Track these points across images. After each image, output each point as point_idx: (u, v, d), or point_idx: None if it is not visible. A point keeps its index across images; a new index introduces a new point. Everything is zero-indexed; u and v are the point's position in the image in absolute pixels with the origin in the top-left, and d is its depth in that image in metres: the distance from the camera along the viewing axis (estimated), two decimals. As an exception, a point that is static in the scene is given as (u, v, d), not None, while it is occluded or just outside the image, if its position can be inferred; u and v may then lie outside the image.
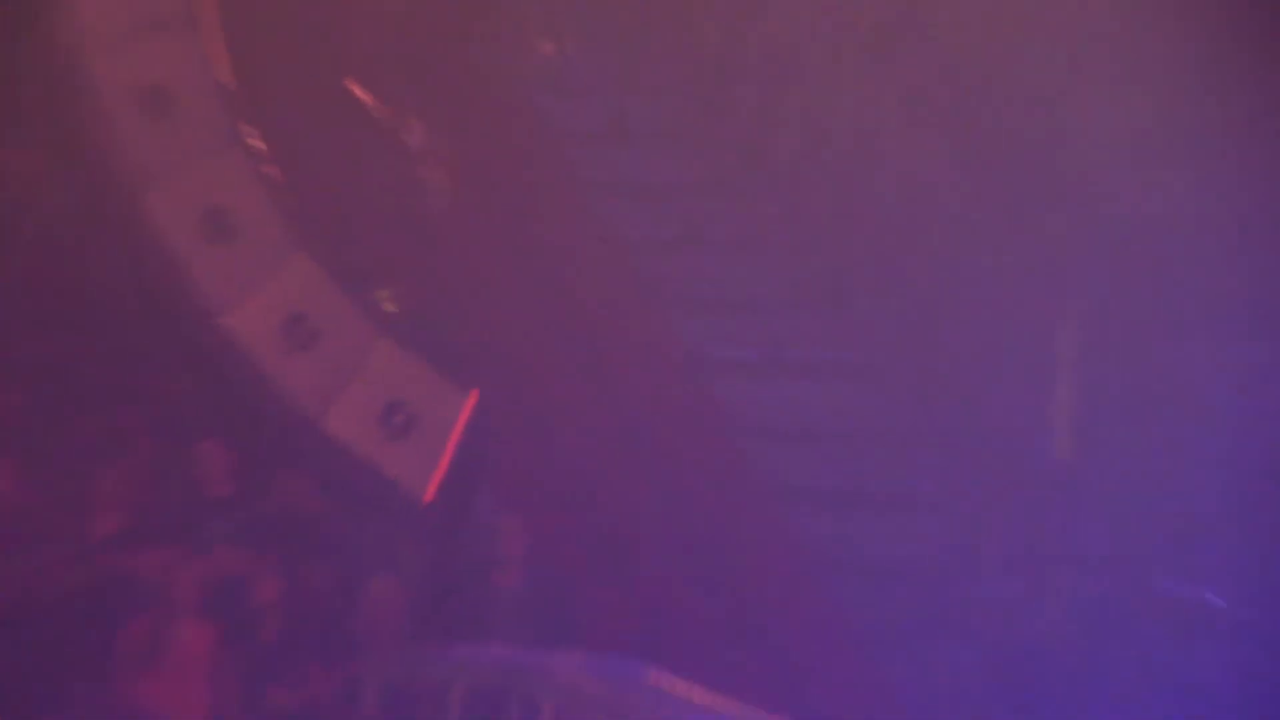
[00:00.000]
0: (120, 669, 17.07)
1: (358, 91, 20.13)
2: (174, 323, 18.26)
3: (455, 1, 22.16)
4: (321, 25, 21.46)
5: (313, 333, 17.31)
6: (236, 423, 18.27)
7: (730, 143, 22.08)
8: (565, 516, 19.07)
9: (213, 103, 18.47)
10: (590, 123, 22.03)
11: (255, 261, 17.63)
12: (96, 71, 18.51)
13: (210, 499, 17.50)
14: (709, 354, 20.67)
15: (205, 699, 16.80)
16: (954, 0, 18.06)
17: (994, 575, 19.20)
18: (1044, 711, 17.22)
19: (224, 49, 19.60)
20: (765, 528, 19.82)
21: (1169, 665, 17.26)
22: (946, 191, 20.48)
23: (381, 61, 21.42)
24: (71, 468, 18.71)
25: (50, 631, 17.44)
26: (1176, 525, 18.07)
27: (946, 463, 20.03)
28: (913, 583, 19.39)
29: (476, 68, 22.26)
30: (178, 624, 16.71)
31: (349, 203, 19.76)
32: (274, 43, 20.82)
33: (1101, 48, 17.85)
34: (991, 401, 19.87)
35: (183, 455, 18.29)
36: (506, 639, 17.25)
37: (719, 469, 20.10)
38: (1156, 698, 17.29)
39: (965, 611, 18.87)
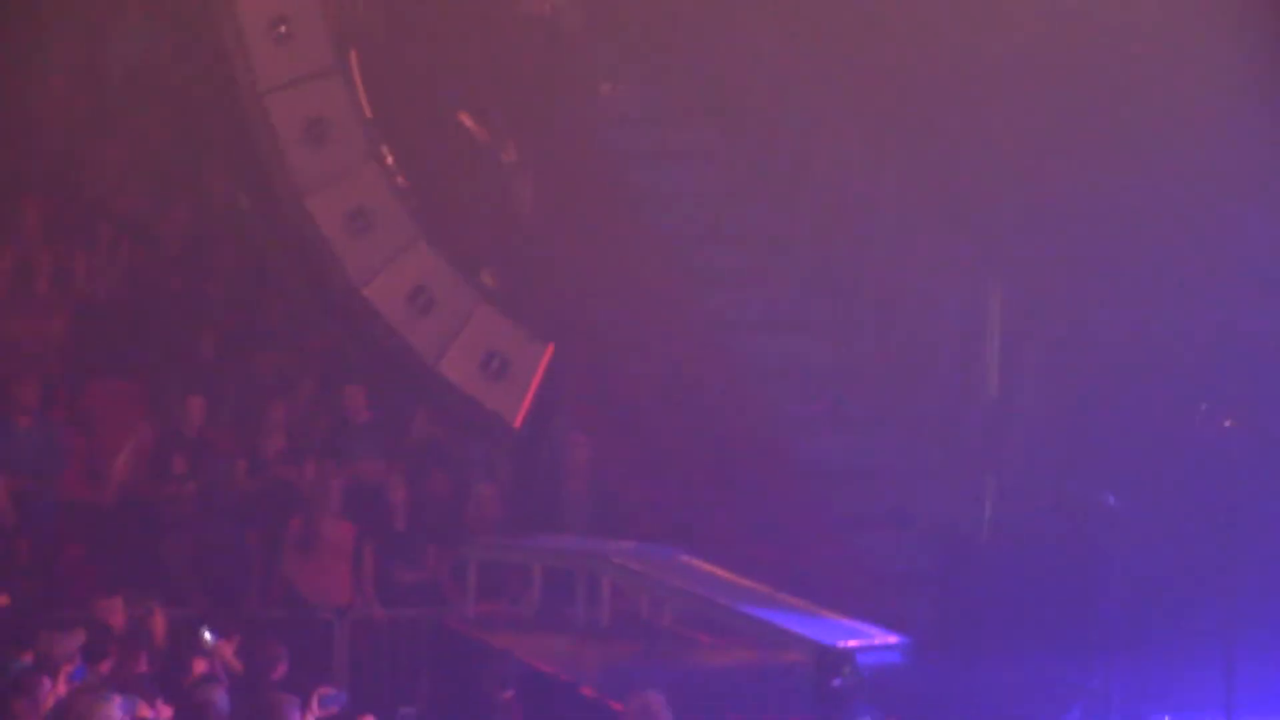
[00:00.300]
0: (284, 555, 21.36)
1: (466, 121, 24.94)
2: (328, 294, 21.85)
3: (538, 52, 26.45)
4: (439, 69, 26.08)
5: (430, 301, 21.32)
6: (374, 368, 22.13)
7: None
8: (619, 437, 22.84)
9: (357, 130, 22.20)
10: (639, 144, 26.35)
11: (387, 248, 21.44)
12: (273, 110, 22.01)
13: (354, 425, 21.46)
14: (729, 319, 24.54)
15: (347, 578, 21.06)
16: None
17: (938, 480, 22.22)
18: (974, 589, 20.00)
19: (365, 90, 22.83)
20: (770, 447, 23.23)
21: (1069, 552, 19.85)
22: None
23: (484, 97, 25.77)
24: (250, 403, 23.38)
25: (232, 526, 21.73)
26: (1081, 442, 21.02)
27: (905, 395, 22.92)
28: (880, 486, 22.72)
29: (554, 103, 26.43)
30: (327, 520, 20.87)
31: (458, 205, 24.16)
32: (402, 83, 25.11)
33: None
34: (939, 351, 22.73)
35: (334, 393, 23.06)
36: (574, 530, 21.82)
37: (737, 404, 23.56)
38: (1059, 577, 19.79)
39: (917, 509, 22.01)
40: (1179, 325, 21.29)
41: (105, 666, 16.40)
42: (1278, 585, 19.01)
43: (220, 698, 15.18)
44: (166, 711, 15.41)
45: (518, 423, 22.01)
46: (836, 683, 16.89)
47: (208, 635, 17.47)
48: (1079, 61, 22.91)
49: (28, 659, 16.25)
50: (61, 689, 15.56)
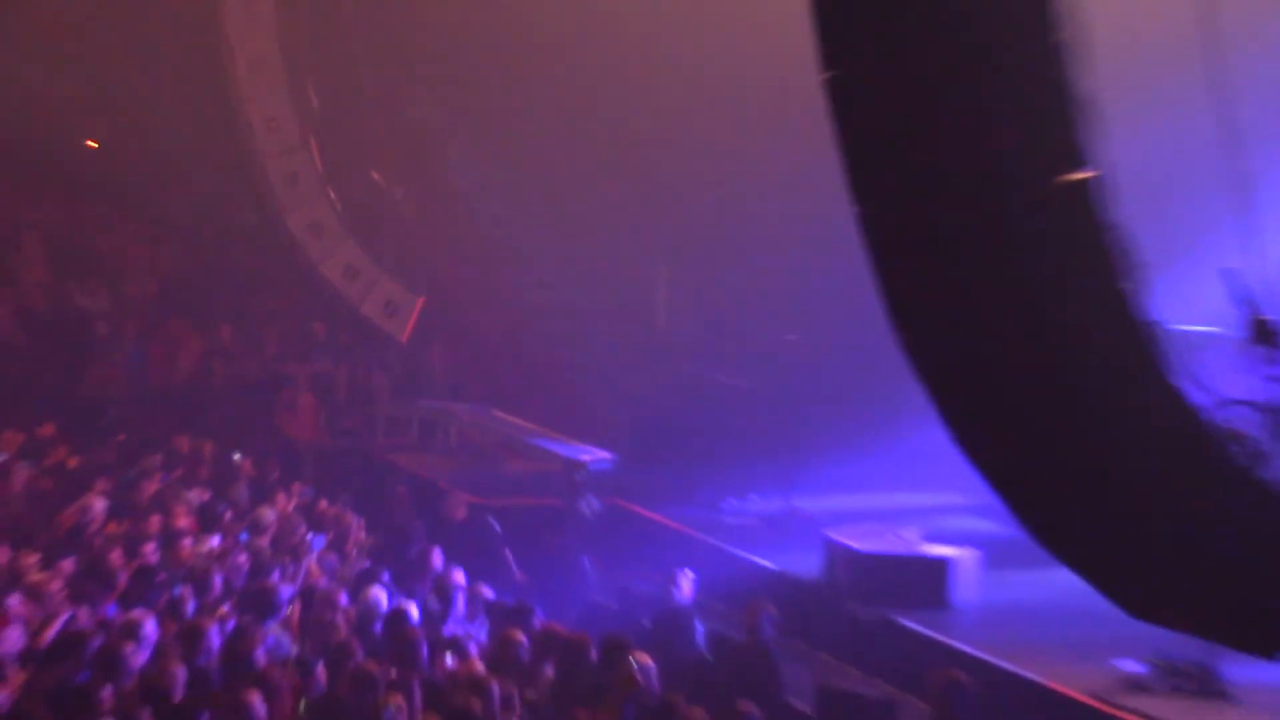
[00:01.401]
0: (278, 413, 26.77)
1: (376, 176, 29.58)
2: (300, 274, 28.19)
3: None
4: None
5: (356, 273, 27.95)
6: (326, 313, 28.26)
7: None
8: (460, 349, 28.14)
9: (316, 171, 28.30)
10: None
11: (331, 243, 28.30)
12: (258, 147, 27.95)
13: (317, 341, 27.98)
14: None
15: (312, 426, 26.65)
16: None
17: (638, 370, 26.24)
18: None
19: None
20: (544, 358, 27.06)
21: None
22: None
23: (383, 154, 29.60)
24: (256, 332, 28.77)
25: (247, 398, 27.17)
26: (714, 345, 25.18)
27: (619, 327, 26.91)
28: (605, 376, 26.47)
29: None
30: (302, 394, 26.59)
31: (372, 221, 29.11)
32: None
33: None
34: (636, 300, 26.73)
35: (306, 326, 28.31)
36: (437, 398, 27.53)
37: (524, 331, 27.71)
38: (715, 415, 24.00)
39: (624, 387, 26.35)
40: (770, 277, 24.68)
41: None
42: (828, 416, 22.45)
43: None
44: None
45: (404, 338, 28.46)
46: (577, 478, 23.02)
47: (236, 456, 22.98)
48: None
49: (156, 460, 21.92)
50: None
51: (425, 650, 15.14)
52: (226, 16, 28.51)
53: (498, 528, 20.67)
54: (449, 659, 15.22)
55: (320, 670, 14.47)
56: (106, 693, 13.34)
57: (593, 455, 23.91)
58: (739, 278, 25.47)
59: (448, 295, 28.17)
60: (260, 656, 14.59)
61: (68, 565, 17.14)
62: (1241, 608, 10.99)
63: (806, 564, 19.87)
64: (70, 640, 14.76)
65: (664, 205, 25.98)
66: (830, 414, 22.46)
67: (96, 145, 30.29)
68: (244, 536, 19.02)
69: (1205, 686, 15.79)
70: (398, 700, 13.50)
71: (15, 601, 15.59)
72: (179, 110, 28.32)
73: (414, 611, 16.07)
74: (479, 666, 14.85)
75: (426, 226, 29.13)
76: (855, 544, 19.25)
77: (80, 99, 29.02)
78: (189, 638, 14.88)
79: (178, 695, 13.52)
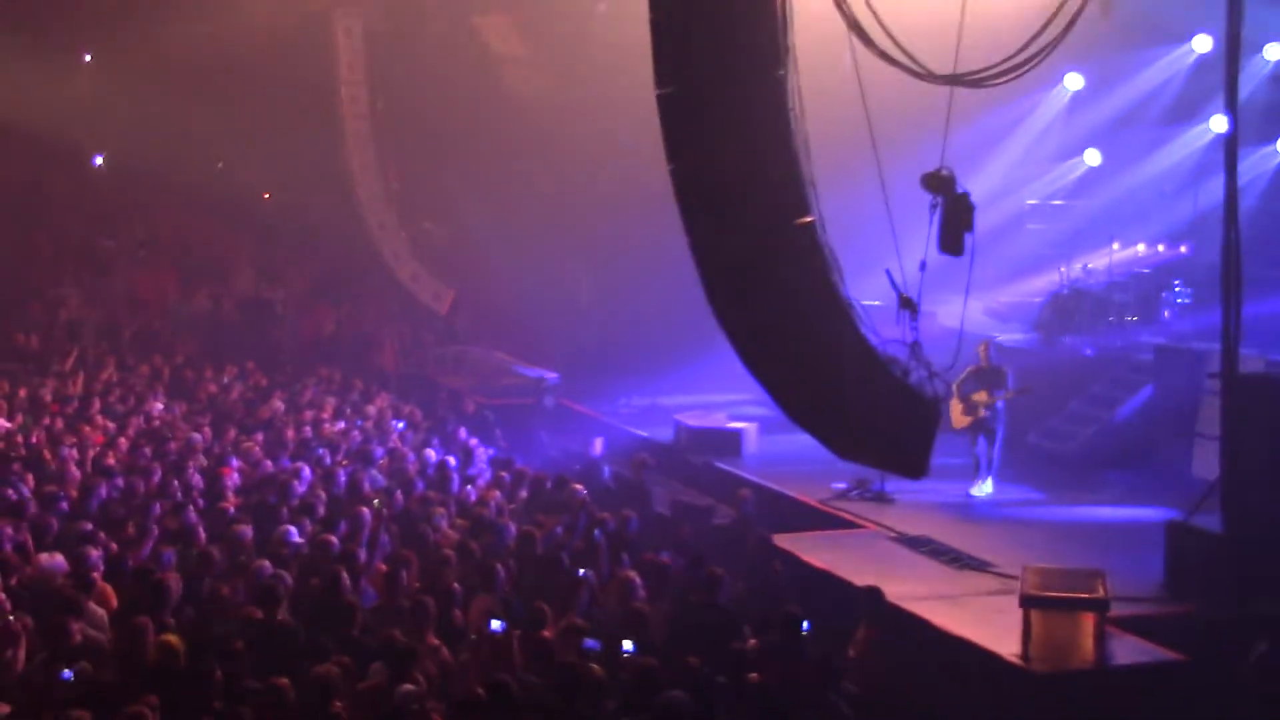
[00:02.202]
0: (376, 355, 25.45)
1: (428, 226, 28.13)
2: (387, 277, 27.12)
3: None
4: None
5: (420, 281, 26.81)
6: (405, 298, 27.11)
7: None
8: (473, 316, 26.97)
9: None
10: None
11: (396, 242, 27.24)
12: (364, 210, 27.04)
13: (394, 316, 26.95)
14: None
15: (394, 361, 25.27)
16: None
17: (561, 329, 24.79)
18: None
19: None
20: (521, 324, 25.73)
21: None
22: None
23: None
24: (362, 307, 27.37)
25: (362, 349, 25.71)
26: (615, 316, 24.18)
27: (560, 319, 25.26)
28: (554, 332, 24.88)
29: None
30: (387, 344, 25.81)
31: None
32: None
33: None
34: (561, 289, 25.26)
35: (391, 307, 27.14)
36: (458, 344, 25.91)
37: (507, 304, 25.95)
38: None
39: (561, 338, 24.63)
40: (641, 276, 23.20)
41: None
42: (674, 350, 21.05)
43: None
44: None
45: (444, 313, 27.00)
46: (541, 387, 22.74)
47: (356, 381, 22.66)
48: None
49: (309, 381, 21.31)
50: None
51: (456, 483, 15.18)
52: (341, 99, 27.32)
53: (492, 417, 20.17)
54: (470, 489, 15.22)
55: (398, 495, 14.41)
56: (283, 511, 13.43)
57: (548, 375, 23.39)
58: (623, 275, 24.73)
59: (465, 288, 27.43)
60: (366, 487, 14.60)
61: (259, 438, 17.32)
62: (897, 450, 11.12)
63: (665, 434, 19.59)
64: (264, 480, 15.02)
65: (586, 236, 25.23)
66: (675, 349, 21.46)
67: (269, 196, 29.40)
68: (359, 422, 18.90)
69: (879, 495, 15.88)
70: (440, 511, 13.69)
71: (234, 461, 15.84)
72: (325, 174, 27.51)
73: (450, 461, 16.14)
74: (485, 494, 14.83)
75: (454, 251, 28.33)
76: (691, 422, 19.15)
77: (254, 153, 27.58)
78: (327, 477, 15.08)
79: (320, 512, 13.56)
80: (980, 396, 16.46)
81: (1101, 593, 10.73)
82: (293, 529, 12.63)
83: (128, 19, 25.71)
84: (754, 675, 9.56)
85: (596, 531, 13.07)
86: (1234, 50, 11.97)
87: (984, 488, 16.44)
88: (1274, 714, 9.47)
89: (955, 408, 16.39)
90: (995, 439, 16.52)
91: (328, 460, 16.19)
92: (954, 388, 15.93)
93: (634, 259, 23.86)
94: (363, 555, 11.99)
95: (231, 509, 13.55)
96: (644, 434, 19.92)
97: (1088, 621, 10.62)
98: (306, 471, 15.11)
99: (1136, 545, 13.38)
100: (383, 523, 13.11)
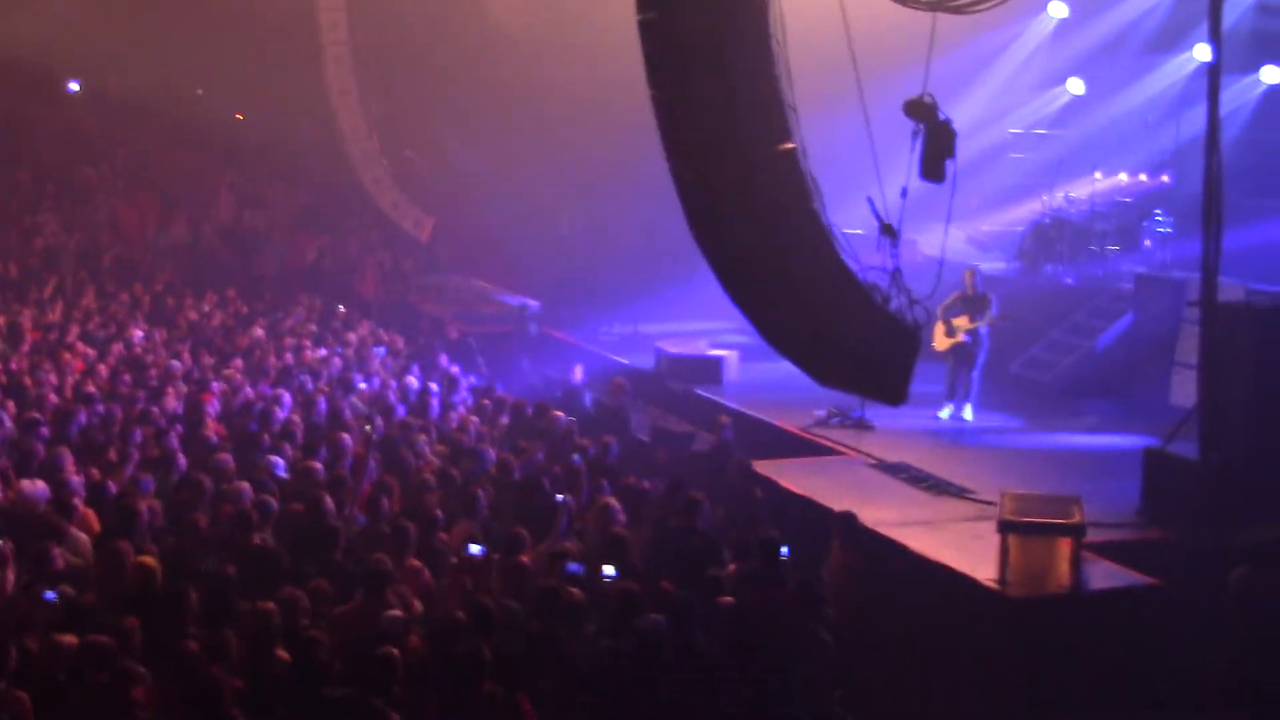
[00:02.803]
0: (358, 283, 25.91)
1: (409, 154, 27.70)
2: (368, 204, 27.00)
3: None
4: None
5: (400, 208, 26.71)
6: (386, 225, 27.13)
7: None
8: (454, 242, 26.77)
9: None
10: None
11: (386, 181, 27.06)
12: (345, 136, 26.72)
13: (377, 243, 26.80)
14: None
15: (376, 288, 25.60)
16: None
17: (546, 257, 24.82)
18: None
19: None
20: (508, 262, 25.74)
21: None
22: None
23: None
24: (346, 236, 27.30)
25: (345, 277, 25.62)
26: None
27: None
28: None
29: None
30: (369, 271, 26.87)
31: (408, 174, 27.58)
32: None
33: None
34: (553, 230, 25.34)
35: (371, 235, 27.15)
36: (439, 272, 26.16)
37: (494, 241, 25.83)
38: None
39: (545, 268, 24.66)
40: (626, 208, 23.71)
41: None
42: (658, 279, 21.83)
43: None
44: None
45: (425, 239, 26.99)
46: (523, 315, 22.78)
47: (339, 308, 22.85)
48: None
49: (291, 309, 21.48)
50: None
51: (436, 409, 15.25)
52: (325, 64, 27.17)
53: (474, 344, 20.26)
54: (451, 416, 15.25)
55: (378, 420, 14.40)
56: (264, 436, 13.40)
57: (530, 303, 23.45)
58: (604, 203, 24.80)
59: (446, 216, 27.33)
60: (347, 412, 14.70)
61: (238, 363, 17.34)
62: (877, 377, 11.11)
63: (645, 361, 19.67)
64: (246, 406, 15.07)
65: (568, 163, 25.01)
66: (659, 278, 21.85)
67: (243, 117, 29.24)
68: (339, 349, 18.89)
69: (859, 423, 15.93)
70: (422, 437, 13.72)
71: (216, 385, 15.84)
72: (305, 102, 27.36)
73: (432, 388, 16.13)
74: (465, 420, 14.85)
75: (435, 180, 28.11)
76: (671, 349, 19.20)
77: (234, 81, 27.67)
78: (307, 403, 15.11)
79: (300, 438, 13.53)
80: (961, 321, 16.63)
81: (1078, 518, 10.79)
82: (276, 457, 12.62)
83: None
84: (728, 599, 9.59)
85: (576, 457, 13.08)
86: (1218, -24, 11.82)
87: (965, 412, 16.63)
88: (1250, 638, 9.52)
89: (938, 330, 16.62)
90: (975, 364, 16.66)
91: (310, 386, 16.13)
92: (938, 311, 16.24)
93: (615, 186, 23.83)
94: (347, 480, 11.97)
95: (213, 436, 13.54)
96: (625, 361, 19.95)
97: (1064, 546, 10.69)
98: (287, 398, 15.10)
99: (1114, 472, 13.48)
100: (370, 448, 13.07)
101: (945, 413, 16.74)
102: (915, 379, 10.97)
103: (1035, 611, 10.54)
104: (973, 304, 16.72)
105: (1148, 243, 19.41)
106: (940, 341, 16.71)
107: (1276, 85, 19.48)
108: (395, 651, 8.02)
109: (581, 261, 24.79)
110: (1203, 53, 17.35)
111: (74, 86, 29.89)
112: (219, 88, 28.26)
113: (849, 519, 11.40)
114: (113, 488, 11.51)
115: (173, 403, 14.89)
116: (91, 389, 15.35)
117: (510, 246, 25.91)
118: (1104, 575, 10.90)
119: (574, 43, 23.77)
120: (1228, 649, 9.57)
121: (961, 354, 16.71)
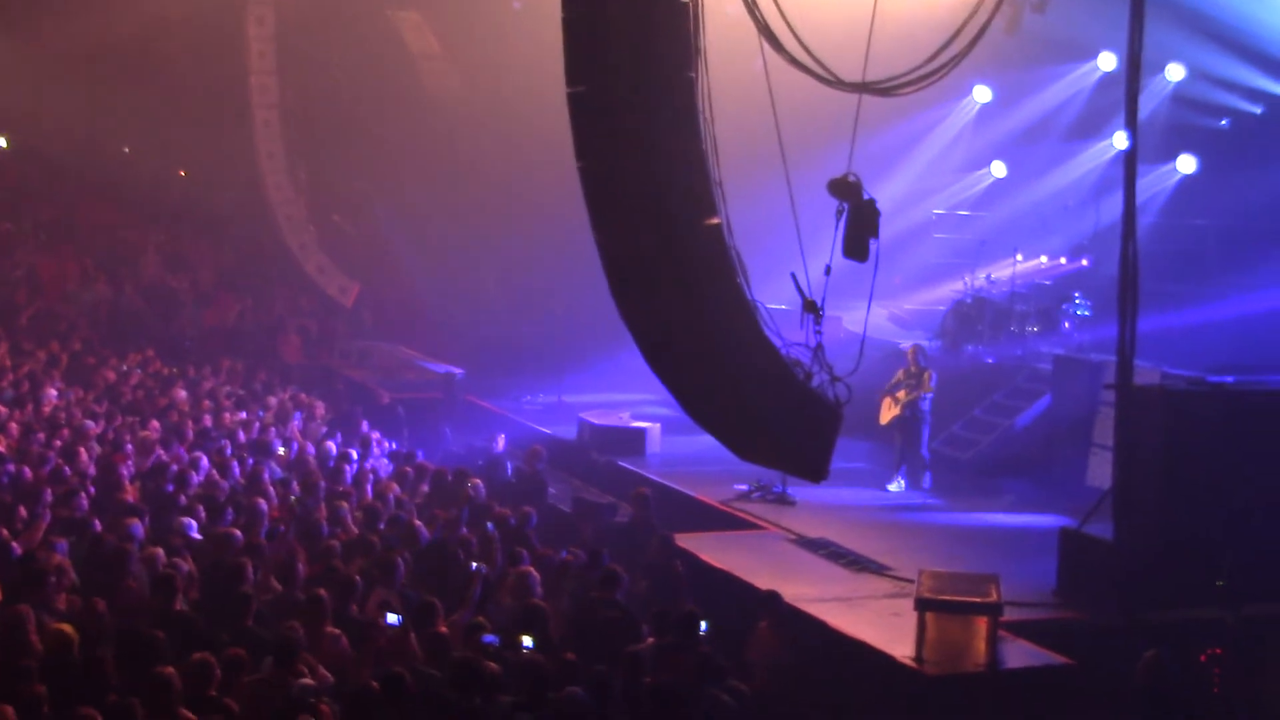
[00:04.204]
0: (279, 348, 26.31)
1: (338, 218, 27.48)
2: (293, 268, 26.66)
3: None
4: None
5: (326, 273, 26.38)
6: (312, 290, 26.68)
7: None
8: (378, 307, 26.75)
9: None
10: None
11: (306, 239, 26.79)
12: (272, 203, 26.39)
13: (302, 309, 26.92)
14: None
15: (298, 354, 25.32)
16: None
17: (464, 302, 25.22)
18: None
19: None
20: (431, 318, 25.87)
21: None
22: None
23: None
24: (269, 299, 26.88)
25: (266, 340, 25.25)
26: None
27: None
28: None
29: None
30: (292, 336, 27.34)
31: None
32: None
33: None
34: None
35: (298, 300, 26.77)
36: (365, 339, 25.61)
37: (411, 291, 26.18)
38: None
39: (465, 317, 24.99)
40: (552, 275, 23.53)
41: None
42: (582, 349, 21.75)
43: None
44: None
45: (349, 305, 26.87)
46: (448, 383, 22.40)
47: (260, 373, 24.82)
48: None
49: (210, 370, 21.16)
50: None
51: (352, 475, 15.13)
52: (254, 124, 26.92)
53: (403, 412, 20.28)
54: (368, 482, 15.14)
55: (295, 486, 14.35)
56: (180, 498, 13.28)
57: (454, 370, 23.26)
58: (530, 273, 24.88)
59: (372, 282, 27.39)
60: (265, 477, 14.48)
61: (155, 425, 17.05)
62: (798, 453, 11.10)
63: (569, 431, 19.64)
64: (159, 468, 14.75)
65: (494, 233, 25.19)
66: (584, 348, 21.84)
67: (185, 174, 29.17)
68: (259, 413, 18.74)
69: (780, 497, 15.99)
70: (342, 504, 13.58)
71: (129, 446, 15.60)
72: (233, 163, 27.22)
73: (352, 454, 16.06)
74: (385, 487, 14.76)
75: (362, 245, 28.17)
76: (594, 420, 19.18)
77: (163, 141, 27.50)
78: (223, 467, 14.92)
79: (221, 498, 13.35)
80: (901, 395, 17.09)
81: (995, 597, 10.84)
82: (190, 520, 12.46)
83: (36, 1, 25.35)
84: (648, 679, 9.54)
85: (490, 525, 13.01)
86: (1134, 69, 12.11)
87: (918, 483, 17.04)
88: (1159, 718, 9.61)
89: (884, 404, 17.20)
90: (920, 438, 17.07)
91: (228, 450, 15.95)
92: (886, 388, 17.25)
93: (541, 257, 23.93)
94: (263, 546, 11.84)
95: (128, 498, 13.33)
96: (548, 431, 19.92)
97: (981, 625, 10.72)
98: (204, 460, 14.94)
99: (1031, 552, 13.59)
100: (287, 514, 12.97)
101: (895, 486, 17.00)
102: (836, 455, 10.95)
103: (951, 689, 10.52)
104: (914, 379, 17.08)
105: (1066, 325, 19.64)
106: (884, 415, 17.16)
107: (1191, 174, 19.82)
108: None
109: (505, 329, 24.78)
110: (1121, 140, 17.49)
111: (1, 141, 29.60)
112: (147, 146, 28.04)
113: (774, 598, 11.35)
114: (18, 548, 11.24)
115: (85, 463, 14.61)
116: (1, 448, 15.06)
117: (436, 313, 25.93)
118: (1019, 654, 10.92)
119: (505, 112, 23.83)
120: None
121: (904, 427, 17.06)
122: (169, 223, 29.33)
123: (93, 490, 13.55)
